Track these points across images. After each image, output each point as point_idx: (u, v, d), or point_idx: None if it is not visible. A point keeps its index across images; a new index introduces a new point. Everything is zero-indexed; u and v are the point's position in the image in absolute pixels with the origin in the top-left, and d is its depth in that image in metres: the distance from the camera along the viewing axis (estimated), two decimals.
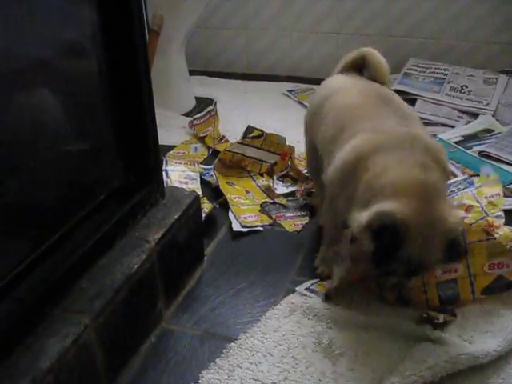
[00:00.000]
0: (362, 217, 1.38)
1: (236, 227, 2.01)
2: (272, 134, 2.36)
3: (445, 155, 1.55)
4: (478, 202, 1.95)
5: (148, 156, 1.65)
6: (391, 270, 1.41)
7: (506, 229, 1.77)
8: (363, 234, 1.38)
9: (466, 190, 2.06)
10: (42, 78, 1.36)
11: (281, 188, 2.26)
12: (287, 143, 2.36)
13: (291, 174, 2.32)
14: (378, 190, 1.40)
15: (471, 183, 2.06)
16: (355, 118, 1.62)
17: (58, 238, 1.39)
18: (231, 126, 2.74)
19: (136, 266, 1.46)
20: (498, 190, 1.97)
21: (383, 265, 1.41)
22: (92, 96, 1.54)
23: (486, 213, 1.89)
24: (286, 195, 2.22)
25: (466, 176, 2.07)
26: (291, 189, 2.26)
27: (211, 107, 2.75)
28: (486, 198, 1.96)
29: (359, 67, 1.84)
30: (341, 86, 1.81)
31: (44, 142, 1.37)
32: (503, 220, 1.85)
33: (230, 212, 2.07)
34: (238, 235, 1.98)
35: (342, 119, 1.66)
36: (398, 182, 1.40)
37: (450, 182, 2.06)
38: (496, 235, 1.70)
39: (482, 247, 1.61)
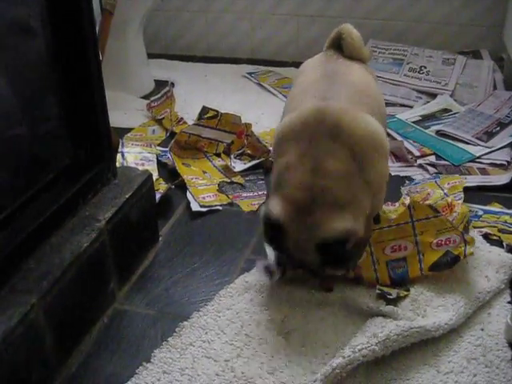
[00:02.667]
0: (260, 210, 1.57)
1: (195, 207, 1.99)
2: (227, 113, 2.34)
3: (366, 138, 1.51)
4: (440, 188, 1.97)
5: (99, 135, 1.63)
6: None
7: (463, 206, 1.78)
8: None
9: (430, 180, 2.09)
10: None
11: (239, 166, 2.25)
12: (243, 121, 2.34)
13: (248, 151, 2.31)
14: (279, 182, 1.50)
15: (437, 177, 2.10)
16: (295, 98, 1.68)
17: (4, 217, 1.36)
18: (190, 109, 2.71)
19: (85, 245, 1.44)
20: (462, 180, 2.01)
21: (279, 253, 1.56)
22: (40, 74, 1.51)
23: (446, 195, 1.90)
24: (244, 172, 2.21)
25: (433, 175, 2.12)
26: (249, 165, 2.25)
27: (167, 88, 2.72)
28: (448, 184, 1.98)
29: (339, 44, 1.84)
30: (304, 67, 1.86)
31: None
32: (462, 200, 1.86)
33: (187, 193, 2.06)
34: (197, 215, 1.97)
35: (290, 99, 1.75)
36: (289, 184, 1.46)
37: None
38: (454, 213, 1.72)
39: (429, 224, 1.61)
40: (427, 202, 1.80)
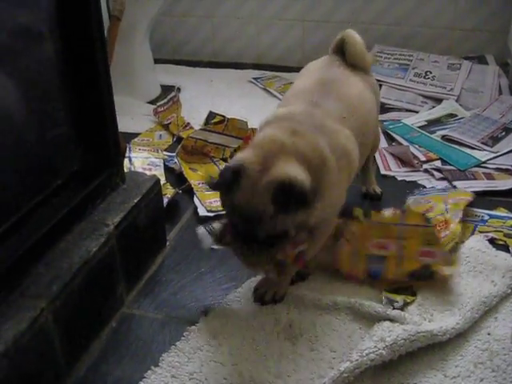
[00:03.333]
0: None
1: (202, 212, 2.00)
2: (234, 118, 2.36)
3: (338, 148, 1.52)
4: (444, 202, 1.96)
5: (107, 140, 1.64)
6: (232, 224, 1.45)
7: (457, 225, 1.78)
8: None
9: (440, 193, 2.07)
10: None
11: None
12: (249, 127, 2.35)
13: None
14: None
15: (447, 189, 2.08)
16: (288, 100, 1.71)
17: (15, 222, 1.37)
18: (197, 114, 2.73)
19: (94, 250, 1.45)
20: (469, 196, 1.98)
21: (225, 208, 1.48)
22: (49, 79, 1.51)
23: (447, 211, 1.90)
24: None
25: (446, 186, 2.11)
26: None
27: (173, 93, 2.74)
28: (453, 199, 1.96)
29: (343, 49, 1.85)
30: (305, 69, 1.87)
31: (1, 126, 1.35)
32: (459, 218, 1.84)
33: (194, 197, 2.07)
34: (204, 220, 1.97)
35: (284, 100, 1.77)
36: (258, 137, 1.49)
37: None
38: (447, 231, 1.73)
39: (417, 232, 1.63)
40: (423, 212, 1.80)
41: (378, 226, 1.65)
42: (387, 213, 1.75)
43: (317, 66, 1.84)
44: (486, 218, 1.93)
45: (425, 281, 1.59)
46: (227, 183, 1.39)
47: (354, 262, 1.63)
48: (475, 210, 1.96)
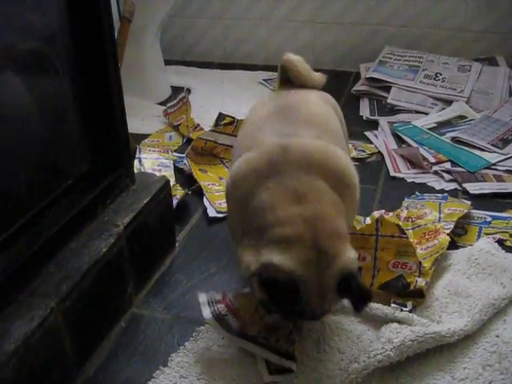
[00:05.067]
0: (249, 262, 1.26)
1: (211, 213, 2.01)
2: (243, 120, 2.36)
3: (338, 164, 1.40)
4: (439, 210, 1.95)
5: (117, 141, 1.65)
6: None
7: (446, 236, 1.76)
8: (252, 280, 1.28)
9: (437, 200, 2.05)
10: (6, 62, 1.35)
11: None
12: None
13: None
14: (264, 231, 1.26)
15: (445, 198, 2.05)
16: (248, 137, 1.53)
17: (24, 222, 1.38)
18: (207, 115, 2.73)
19: (104, 250, 1.46)
20: (465, 208, 1.94)
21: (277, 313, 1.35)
22: (59, 79, 1.53)
23: (439, 219, 1.89)
24: None
25: (444, 195, 2.08)
26: None
27: (183, 94, 2.75)
28: (448, 209, 1.94)
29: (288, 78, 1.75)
30: (253, 107, 1.72)
31: (11, 126, 1.36)
32: (449, 230, 1.81)
33: (204, 198, 2.07)
34: (214, 221, 1.98)
35: (240, 140, 1.60)
36: (279, 224, 1.24)
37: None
38: (435, 241, 1.73)
39: (392, 243, 1.63)
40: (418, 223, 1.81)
41: (354, 237, 1.65)
42: (366, 222, 1.76)
43: (265, 99, 1.71)
44: (489, 219, 1.93)
45: (398, 292, 1.58)
46: (284, 303, 1.25)
47: None
48: (478, 211, 1.96)
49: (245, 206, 1.33)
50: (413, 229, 1.81)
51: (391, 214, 1.95)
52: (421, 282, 1.58)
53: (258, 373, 1.39)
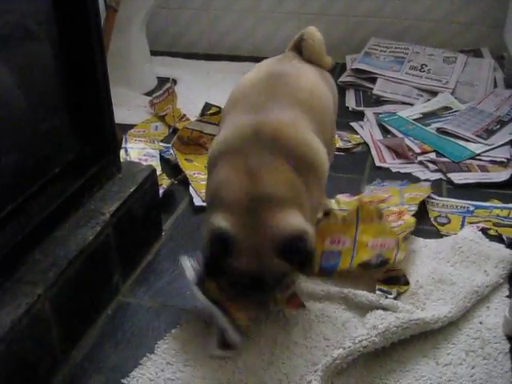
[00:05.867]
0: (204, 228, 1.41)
1: (197, 202, 2.01)
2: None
3: (303, 146, 1.45)
4: (401, 195, 1.99)
5: (103, 130, 1.65)
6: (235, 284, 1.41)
7: (411, 217, 1.81)
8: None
9: (397, 186, 2.08)
10: None
11: None
12: None
13: None
14: (216, 198, 1.41)
15: (406, 184, 2.10)
16: (235, 102, 1.59)
17: (11, 210, 1.38)
18: (193, 105, 2.74)
19: (90, 238, 1.46)
20: (425, 193, 1.99)
21: (216, 276, 1.44)
22: (46, 70, 1.53)
23: (401, 203, 1.93)
24: None
25: (404, 181, 2.12)
26: None
27: (169, 84, 2.75)
28: (410, 194, 1.99)
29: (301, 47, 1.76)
30: (252, 69, 1.72)
31: None
32: (412, 212, 1.86)
33: (190, 188, 2.08)
34: (199, 210, 1.99)
35: (231, 99, 1.63)
36: (228, 198, 1.38)
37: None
38: (400, 221, 1.76)
39: (371, 227, 1.67)
40: (376, 205, 1.81)
41: (336, 225, 1.69)
42: (344, 212, 1.80)
43: (268, 61, 1.73)
44: (472, 208, 1.96)
45: (377, 269, 1.61)
46: (219, 257, 1.36)
47: None
48: (460, 201, 2.00)
49: (209, 178, 1.49)
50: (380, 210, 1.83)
51: (355, 197, 1.99)
52: (400, 256, 1.61)
53: (242, 359, 1.40)
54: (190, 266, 1.50)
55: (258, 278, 1.37)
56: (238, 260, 1.34)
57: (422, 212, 1.92)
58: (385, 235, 1.65)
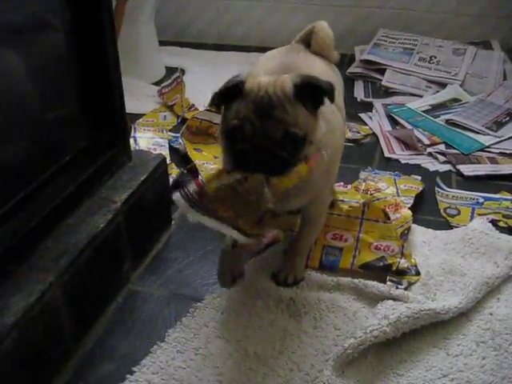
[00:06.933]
0: None
1: None
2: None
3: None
4: (395, 185, 2.00)
5: (114, 118, 1.65)
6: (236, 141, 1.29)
7: (408, 211, 1.81)
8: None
9: (391, 176, 2.10)
10: (5, 41, 1.35)
11: None
12: None
13: None
14: None
15: (398, 175, 2.11)
16: None
17: (23, 198, 1.38)
18: (201, 95, 2.72)
19: (102, 226, 1.46)
20: (419, 186, 2.01)
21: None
22: (58, 58, 1.53)
23: (398, 194, 1.94)
24: None
25: (396, 172, 2.13)
26: None
27: (177, 74, 2.74)
28: (404, 186, 2.01)
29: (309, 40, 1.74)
30: (260, 58, 1.76)
31: (10, 104, 1.35)
32: (409, 205, 1.88)
33: (199, 177, 2.07)
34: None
35: None
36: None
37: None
38: (397, 214, 1.76)
39: (376, 227, 1.68)
40: (381, 206, 1.80)
41: (339, 219, 1.69)
42: (351, 204, 1.80)
43: (275, 53, 1.73)
44: (481, 200, 1.96)
45: (379, 272, 1.61)
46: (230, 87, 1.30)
47: (311, 251, 1.65)
48: (470, 193, 1.99)
49: None
50: (373, 201, 1.84)
51: (349, 186, 1.99)
52: (403, 263, 1.61)
53: (253, 347, 1.40)
54: (179, 197, 1.33)
55: (262, 110, 1.27)
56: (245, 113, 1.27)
57: (418, 204, 1.93)
58: (390, 239, 1.66)
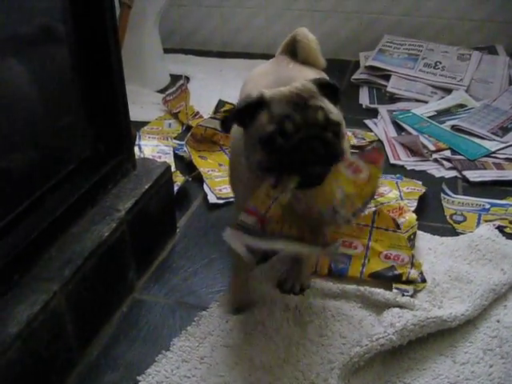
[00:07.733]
0: None
1: (212, 199, 2.01)
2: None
3: None
4: (398, 188, 1.99)
5: (119, 127, 1.65)
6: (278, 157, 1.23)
7: (413, 214, 1.80)
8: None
9: (392, 179, 2.08)
10: (10, 48, 1.35)
11: None
12: None
13: None
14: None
15: (400, 178, 2.10)
16: None
17: (27, 206, 1.38)
18: (206, 103, 2.72)
19: (106, 235, 1.46)
20: (421, 188, 2.00)
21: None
22: (63, 68, 1.53)
23: (401, 198, 1.93)
24: None
25: (398, 175, 2.12)
26: None
27: (181, 81, 2.74)
28: (407, 188, 2.00)
29: (293, 50, 1.72)
30: (251, 75, 1.74)
31: (14, 112, 1.35)
32: (413, 208, 1.87)
33: (204, 185, 2.07)
34: (214, 207, 1.98)
35: None
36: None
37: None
38: (402, 219, 1.75)
39: (386, 235, 1.66)
40: (385, 211, 1.77)
41: (350, 226, 1.66)
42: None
43: (265, 69, 1.70)
44: (488, 206, 1.95)
45: (388, 281, 1.60)
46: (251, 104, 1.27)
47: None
48: (476, 199, 1.98)
49: None
50: (376, 207, 1.81)
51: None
52: (413, 273, 1.60)
53: (258, 356, 1.39)
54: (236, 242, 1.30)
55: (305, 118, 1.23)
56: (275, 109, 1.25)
57: (424, 211, 1.92)
58: (400, 249, 1.64)
